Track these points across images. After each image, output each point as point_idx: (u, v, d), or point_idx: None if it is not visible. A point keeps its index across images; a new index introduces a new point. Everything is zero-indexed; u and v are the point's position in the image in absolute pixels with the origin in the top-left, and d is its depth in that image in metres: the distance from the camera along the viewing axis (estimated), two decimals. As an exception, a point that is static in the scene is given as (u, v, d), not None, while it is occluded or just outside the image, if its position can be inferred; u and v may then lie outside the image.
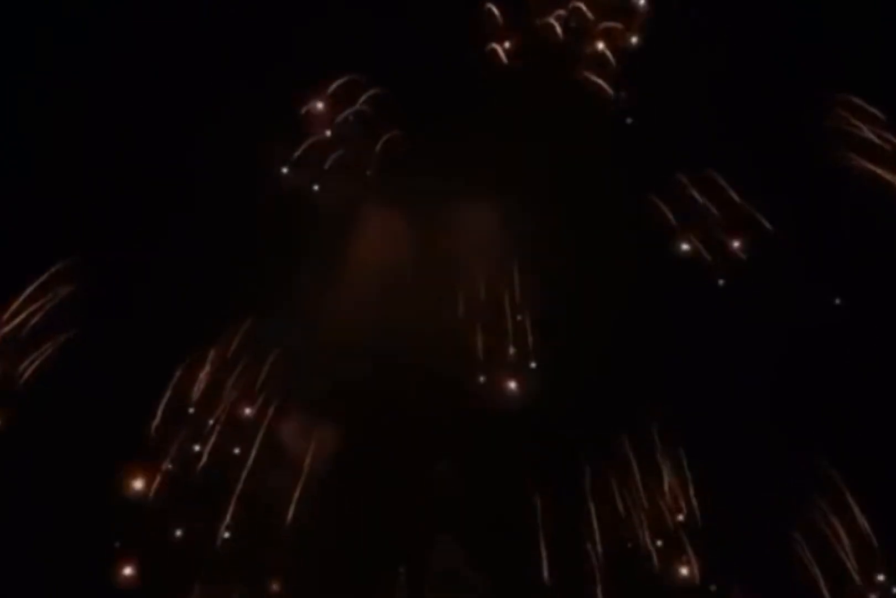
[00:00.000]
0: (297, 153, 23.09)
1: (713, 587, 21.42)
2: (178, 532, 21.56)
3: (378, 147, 23.30)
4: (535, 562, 21.72)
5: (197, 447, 21.92)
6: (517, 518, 22.01)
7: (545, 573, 21.68)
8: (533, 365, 22.56)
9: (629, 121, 22.15)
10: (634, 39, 22.60)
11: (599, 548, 21.71)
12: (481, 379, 22.58)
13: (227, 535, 21.55)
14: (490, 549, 22.18)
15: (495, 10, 22.89)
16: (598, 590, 21.45)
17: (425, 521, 22.26)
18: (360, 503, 22.11)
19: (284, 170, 22.98)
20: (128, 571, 21.17)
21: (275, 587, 21.69)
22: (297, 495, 21.87)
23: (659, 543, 21.60)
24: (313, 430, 22.25)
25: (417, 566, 22.23)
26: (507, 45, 22.85)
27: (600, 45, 22.69)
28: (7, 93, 22.28)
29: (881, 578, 20.46)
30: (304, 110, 23.19)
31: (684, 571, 21.32)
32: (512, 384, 22.60)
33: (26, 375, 22.07)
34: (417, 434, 22.24)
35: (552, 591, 21.69)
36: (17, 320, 22.05)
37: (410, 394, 22.28)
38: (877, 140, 22.13)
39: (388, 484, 22.18)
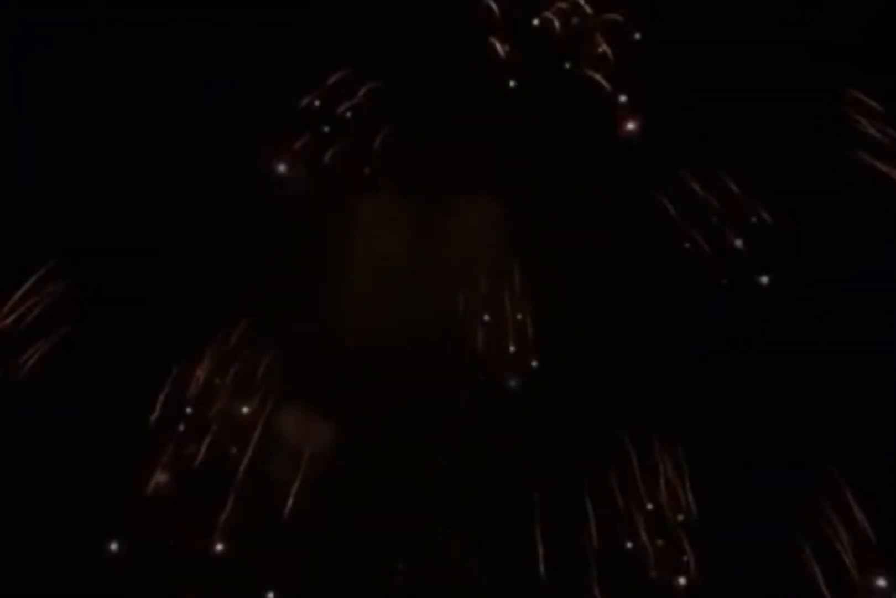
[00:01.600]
0: (293, 149, 22.91)
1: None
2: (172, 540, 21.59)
3: (377, 142, 23.15)
4: (532, 559, 21.78)
5: (193, 447, 21.95)
6: (515, 514, 22.04)
7: (542, 570, 21.74)
8: (534, 364, 22.59)
9: (631, 126, 21.97)
10: (636, 34, 22.43)
11: (596, 545, 21.80)
12: (481, 377, 22.58)
13: (221, 544, 21.62)
14: (487, 545, 22.19)
15: (493, 5, 22.69)
16: (596, 589, 21.51)
17: (423, 516, 22.23)
18: (358, 497, 22.10)
19: (281, 166, 22.78)
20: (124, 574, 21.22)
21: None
22: (294, 490, 21.92)
23: (658, 542, 21.67)
24: (311, 426, 22.23)
25: (414, 561, 22.20)
26: (505, 40, 22.67)
27: (600, 41, 22.52)
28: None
29: (882, 581, 20.52)
30: (301, 104, 23.00)
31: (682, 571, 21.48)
32: (512, 382, 22.61)
33: (23, 370, 22.04)
34: (416, 431, 22.27)
35: (549, 588, 21.76)
36: (14, 316, 22.02)
37: (410, 391, 22.21)
38: (878, 135, 22.02)
39: (387, 480, 22.17)
